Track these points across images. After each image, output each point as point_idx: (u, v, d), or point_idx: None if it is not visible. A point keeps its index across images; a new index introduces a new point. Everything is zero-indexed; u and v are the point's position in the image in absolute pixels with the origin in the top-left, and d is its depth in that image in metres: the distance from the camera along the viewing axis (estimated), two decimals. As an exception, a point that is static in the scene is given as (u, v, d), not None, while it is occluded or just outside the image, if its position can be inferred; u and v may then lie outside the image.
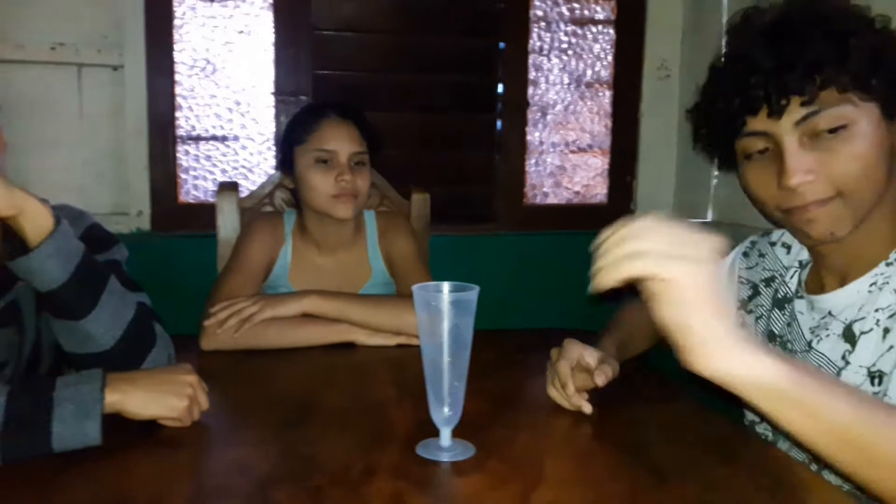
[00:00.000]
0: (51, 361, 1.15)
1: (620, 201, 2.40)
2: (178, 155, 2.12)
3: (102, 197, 2.06)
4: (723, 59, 0.96)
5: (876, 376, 0.89)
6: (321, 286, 1.48)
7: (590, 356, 1.05)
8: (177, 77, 2.10)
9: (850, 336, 0.94)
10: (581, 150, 2.36)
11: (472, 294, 0.90)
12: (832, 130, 0.87)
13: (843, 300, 0.95)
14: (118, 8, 2.00)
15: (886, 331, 0.89)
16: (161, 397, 0.94)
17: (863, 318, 0.93)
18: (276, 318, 1.36)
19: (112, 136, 2.04)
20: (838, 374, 0.94)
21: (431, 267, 1.68)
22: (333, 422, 1.02)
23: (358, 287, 1.59)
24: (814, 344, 0.98)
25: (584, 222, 2.39)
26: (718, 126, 0.96)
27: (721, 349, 0.67)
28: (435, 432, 0.92)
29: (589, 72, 2.33)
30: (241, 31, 2.13)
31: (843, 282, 0.96)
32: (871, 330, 0.91)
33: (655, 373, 1.26)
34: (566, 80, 2.32)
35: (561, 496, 0.80)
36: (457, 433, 0.93)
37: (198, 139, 2.14)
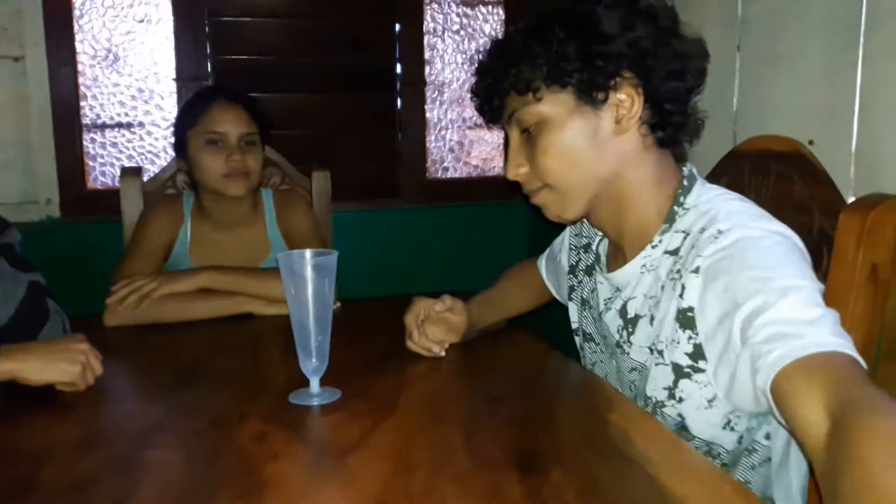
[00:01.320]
0: None
1: (518, 172, 2.53)
2: (84, 143, 2.17)
3: (10, 186, 2.10)
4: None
5: (654, 351, 0.95)
6: (221, 262, 1.58)
7: (437, 305, 1.18)
8: (79, 66, 2.14)
9: (624, 313, 1.00)
10: (478, 125, 2.50)
11: (332, 259, 1.02)
12: (531, 128, 0.95)
13: (623, 278, 1.01)
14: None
15: (652, 318, 0.95)
16: (55, 363, 1.03)
17: (634, 298, 0.99)
18: (175, 293, 1.46)
19: (17, 126, 2.08)
20: (618, 345, 1.01)
21: (338, 242, 1.78)
22: (219, 381, 1.13)
23: (258, 262, 1.69)
24: (603, 315, 1.06)
25: (484, 194, 2.54)
26: (482, 112, 1.06)
27: None
28: (307, 384, 1.05)
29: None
30: (142, 20, 2.18)
31: (626, 260, 1.01)
32: (644, 316, 0.97)
33: (521, 330, 1.38)
34: (459, 60, 2.44)
35: (407, 422, 0.94)
36: (328, 382, 1.05)
37: (103, 127, 2.20)
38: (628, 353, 1.00)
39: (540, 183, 0.98)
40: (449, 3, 2.41)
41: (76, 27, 2.12)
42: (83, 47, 2.14)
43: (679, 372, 0.90)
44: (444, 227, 2.46)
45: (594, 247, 1.14)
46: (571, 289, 1.21)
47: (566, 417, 0.98)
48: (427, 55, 2.39)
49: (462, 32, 2.43)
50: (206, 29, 2.19)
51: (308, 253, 1.04)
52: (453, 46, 2.42)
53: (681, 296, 0.88)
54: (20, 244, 1.27)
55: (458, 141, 2.49)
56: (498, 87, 0.97)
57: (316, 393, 1.04)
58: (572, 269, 1.21)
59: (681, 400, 0.91)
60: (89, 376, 1.07)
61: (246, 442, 0.89)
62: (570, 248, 1.24)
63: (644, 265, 0.98)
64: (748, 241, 0.83)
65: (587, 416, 0.97)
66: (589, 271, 1.14)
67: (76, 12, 2.12)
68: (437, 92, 2.44)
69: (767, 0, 1.42)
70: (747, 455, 0.94)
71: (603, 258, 1.11)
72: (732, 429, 0.90)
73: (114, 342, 1.33)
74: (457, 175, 2.52)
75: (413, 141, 2.41)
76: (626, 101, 0.92)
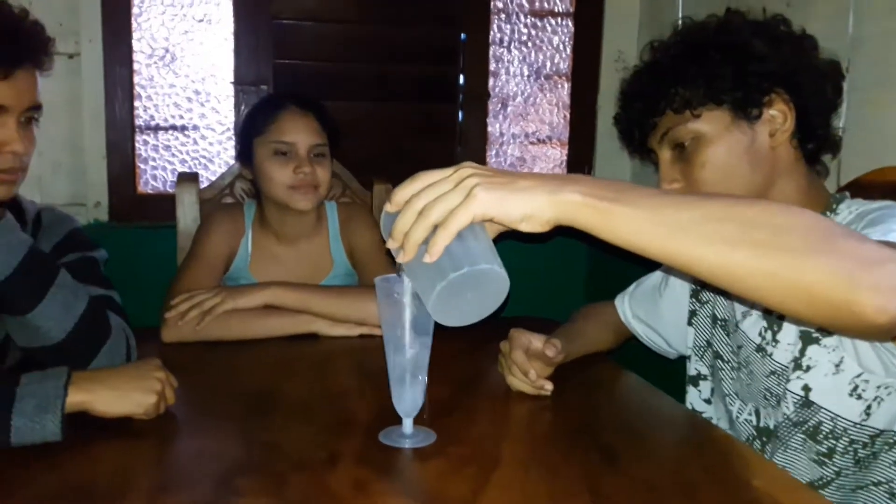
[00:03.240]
0: (19, 355, 1.14)
1: (579, 191, 2.44)
2: (136, 145, 2.10)
3: (59, 187, 2.03)
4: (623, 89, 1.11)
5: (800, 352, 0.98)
6: (282, 277, 1.50)
7: (536, 340, 1.11)
8: (135, 66, 2.07)
9: (767, 312, 1.03)
10: (541, 141, 2.40)
11: (433, 285, 0.93)
12: (686, 144, 1.00)
13: None
14: (74, -6, 1.97)
15: None
16: (129, 395, 0.94)
17: None
18: (238, 309, 1.37)
19: (68, 125, 2.02)
20: (759, 349, 1.04)
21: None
22: (296, 411, 1.04)
23: (319, 278, 1.60)
24: (740, 324, 1.08)
25: (544, 212, 2.43)
26: (629, 139, 1.11)
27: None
28: (397, 420, 0.95)
29: (548, 63, 2.37)
30: (201, 20, 2.11)
31: None
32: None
33: (610, 363, 1.30)
34: (526, 72, 2.35)
35: (517, 478, 0.84)
36: (418, 421, 0.96)
37: (157, 129, 2.12)
38: (770, 355, 1.02)
39: None
40: (517, 13, 2.32)
41: (134, 25, 2.06)
42: (140, 46, 2.07)
43: (807, 338, 0.96)
44: (501, 243, 2.35)
45: None
46: (693, 313, 1.20)
47: (701, 481, 0.86)
48: (492, 66, 2.30)
49: (530, 44, 2.34)
50: (268, 32, 2.12)
51: (407, 278, 0.94)
52: (520, 58, 2.33)
53: None
54: (104, 263, 1.21)
55: (520, 156, 2.39)
56: (654, 107, 1.02)
57: (409, 434, 0.94)
58: (695, 294, 1.20)
59: (808, 369, 0.97)
60: (162, 405, 0.98)
61: (342, 490, 0.80)
62: None
63: None
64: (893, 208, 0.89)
65: (725, 479, 0.86)
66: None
67: (135, 9, 2.05)
68: (500, 105, 2.34)
69: (885, 19, 1.32)
70: (888, 450, 0.96)
71: None
72: (859, 396, 0.94)
73: (172, 360, 1.24)
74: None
75: (472, 155, 2.32)
76: (779, 116, 0.99)
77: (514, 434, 1.00)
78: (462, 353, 1.32)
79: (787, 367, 1.00)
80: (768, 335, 1.03)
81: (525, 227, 0.69)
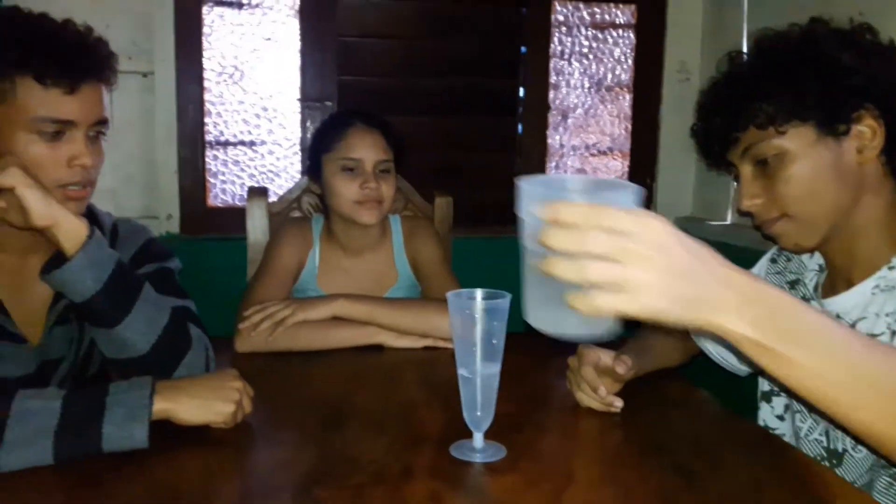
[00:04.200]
0: (101, 360, 1.19)
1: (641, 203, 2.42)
2: (206, 159, 2.17)
3: (133, 200, 2.11)
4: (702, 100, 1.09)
5: None
6: (348, 289, 1.52)
7: (606, 356, 1.11)
8: (205, 83, 2.15)
9: None
10: (601, 152, 2.39)
11: (505, 302, 0.94)
12: (769, 159, 0.98)
13: (849, 302, 1.01)
14: (148, 16, 2.05)
15: (894, 333, 0.94)
16: (209, 403, 0.97)
17: (865, 318, 0.98)
18: (308, 321, 1.40)
19: (142, 141, 2.10)
20: None
21: (454, 270, 1.72)
22: (369, 423, 1.05)
23: (384, 290, 1.63)
24: None
25: (605, 224, 2.41)
26: (707, 152, 1.08)
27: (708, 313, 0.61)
28: (466, 433, 0.96)
29: (609, 75, 2.36)
30: (269, 38, 2.17)
31: (849, 285, 1.01)
32: (882, 333, 0.95)
33: (681, 379, 1.29)
34: (587, 84, 2.34)
35: (591, 496, 0.84)
36: (488, 435, 0.96)
37: (226, 144, 2.19)
38: None
39: (777, 213, 1.00)
40: (578, 26, 2.31)
41: (205, 44, 2.13)
42: (210, 64, 2.14)
43: None
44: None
45: (807, 280, 1.13)
46: None
47: (776, 498, 0.85)
48: (553, 79, 2.30)
49: (591, 56, 2.33)
50: (332, 49, 2.17)
51: (479, 293, 0.95)
52: (580, 70, 2.33)
53: None
54: (179, 272, 1.25)
55: (580, 168, 2.39)
56: (735, 122, 0.99)
57: (480, 448, 0.95)
58: None
59: None
60: (240, 415, 1.01)
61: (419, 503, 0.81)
62: None
63: (877, 286, 0.98)
64: None
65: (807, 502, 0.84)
66: None
67: (206, 29, 2.13)
68: (561, 117, 2.34)
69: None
70: None
71: (819, 289, 1.10)
72: None
73: (245, 370, 1.28)
74: (576, 203, 2.41)
75: (532, 167, 2.32)
76: (868, 132, 0.95)
77: (585, 451, 1.00)
78: (530, 368, 1.32)
79: None
80: None
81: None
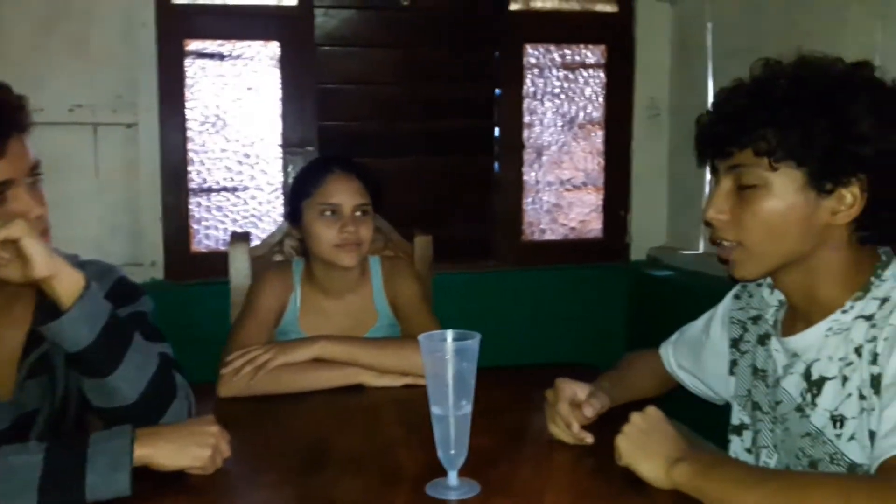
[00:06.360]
0: (77, 409, 1.20)
1: (615, 235, 2.49)
2: (190, 206, 2.21)
3: (117, 248, 2.14)
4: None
5: (837, 419, 0.96)
6: (330, 330, 1.55)
7: (581, 391, 1.13)
8: (189, 132, 2.20)
9: (808, 376, 1.01)
10: (576, 187, 2.45)
11: (474, 343, 0.97)
12: (749, 186, 0.97)
13: (804, 342, 1.02)
14: (132, 69, 2.11)
15: (845, 379, 0.96)
16: (187, 448, 0.99)
17: (818, 360, 1.00)
18: (289, 363, 1.43)
19: (126, 190, 2.14)
20: (798, 409, 1.02)
21: (435, 306, 1.75)
22: (347, 464, 1.08)
23: (365, 330, 1.66)
24: (781, 381, 1.06)
25: (582, 256, 2.47)
26: (701, 148, 1.07)
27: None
28: (443, 471, 0.99)
29: (581, 113, 2.43)
30: (250, 88, 2.23)
31: (808, 324, 1.02)
32: (834, 378, 0.97)
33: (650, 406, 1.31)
34: (559, 122, 2.41)
35: (562, 529, 0.87)
36: (463, 471, 0.99)
37: (209, 191, 2.24)
38: (808, 417, 1.00)
39: (734, 237, 1.00)
40: (550, 67, 2.39)
41: (188, 94, 2.19)
42: (193, 114, 2.20)
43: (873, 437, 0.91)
44: (541, 290, 2.40)
45: (767, 317, 1.13)
46: (734, 363, 1.19)
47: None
48: (526, 119, 2.37)
49: (563, 95, 2.41)
50: (312, 96, 2.23)
51: (450, 335, 0.99)
52: (553, 109, 2.40)
53: (873, 362, 0.91)
54: (152, 312, 1.26)
55: (556, 203, 2.44)
56: (736, 139, 0.97)
57: (454, 486, 0.98)
58: (734, 343, 1.20)
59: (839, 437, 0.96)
60: (218, 459, 1.03)
61: (393, 542, 0.83)
62: (732, 323, 1.21)
63: (830, 328, 0.99)
64: None
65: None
66: (762, 340, 1.13)
67: (189, 80, 2.19)
68: (535, 154, 2.41)
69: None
70: None
71: (779, 325, 1.11)
72: None
73: (227, 414, 1.31)
74: (553, 237, 2.47)
75: (509, 203, 2.38)
76: (849, 199, 0.94)
77: (559, 484, 1.02)
78: (506, 403, 1.34)
79: (822, 430, 0.98)
80: (808, 396, 1.01)
81: None
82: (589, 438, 1.11)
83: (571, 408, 1.12)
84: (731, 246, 1.01)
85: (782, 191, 0.95)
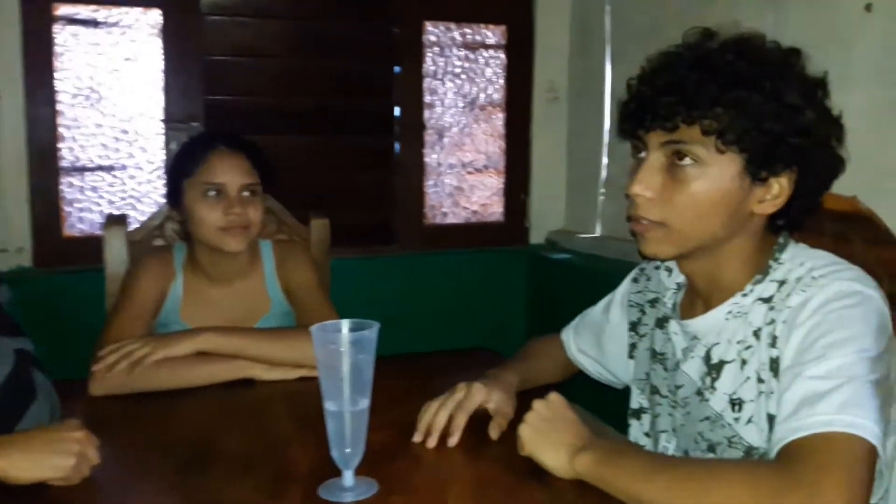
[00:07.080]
0: None
1: (516, 218, 2.48)
2: (61, 187, 2.03)
3: (-22, 233, 1.94)
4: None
5: (736, 403, 0.96)
6: (216, 320, 1.45)
7: (493, 404, 1.12)
8: (59, 106, 2.01)
9: (708, 359, 1.01)
10: (477, 170, 2.42)
11: (372, 332, 0.91)
12: (685, 165, 0.92)
13: (704, 325, 1.02)
14: (-9, 34, 1.90)
15: (744, 362, 0.96)
16: (45, 458, 0.89)
17: (718, 344, 1.00)
18: (169, 357, 1.32)
19: (-13, 170, 1.94)
20: (698, 392, 1.01)
21: (333, 291, 1.67)
22: (234, 465, 1.00)
23: (256, 319, 1.56)
24: (681, 364, 1.05)
25: (483, 240, 2.46)
26: (629, 117, 0.99)
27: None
28: (337, 471, 0.92)
29: (482, 95, 2.40)
30: (128, 58, 2.06)
31: (707, 308, 1.02)
32: (733, 361, 0.98)
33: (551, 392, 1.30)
34: (460, 103, 2.37)
35: (462, 527, 0.82)
36: (360, 469, 0.93)
37: (83, 170, 2.06)
38: (708, 401, 1.00)
39: (658, 216, 0.95)
40: (451, 46, 2.34)
41: (56, 64, 1.99)
42: (64, 86, 2.01)
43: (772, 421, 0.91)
44: (443, 273, 2.36)
45: (665, 299, 1.13)
46: (633, 346, 1.20)
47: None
48: (427, 99, 2.32)
49: (464, 76, 2.36)
50: (198, 68, 2.08)
51: (345, 325, 0.92)
52: (454, 90, 2.35)
53: (772, 345, 0.92)
54: (9, 303, 1.13)
55: (458, 185, 2.41)
56: (687, 113, 0.89)
57: (350, 486, 0.92)
58: (633, 326, 1.20)
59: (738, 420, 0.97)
60: (84, 468, 0.93)
61: (281, 553, 0.77)
62: (630, 306, 1.22)
63: (730, 311, 0.99)
64: (835, 300, 0.88)
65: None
66: (660, 324, 1.13)
67: (58, 49, 1.99)
68: (436, 136, 2.35)
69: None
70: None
71: (677, 308, 1.10)
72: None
73: (100, 415, 1.20)
74: (455, 221, 2.43)
75: (410, 185, 2.32)
76: (777, 189, 0.93)
77: (461, 477, 0.98)
78: (404, 393, 1.29)
79: (721, 414, 0.98)
80: (708, 380, 1.00)
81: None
82: (453, 440, 1.07)
83: (463, 413, 1.09)
84: (649, 224, 0.96)
85: (719, 174, 0.91)
